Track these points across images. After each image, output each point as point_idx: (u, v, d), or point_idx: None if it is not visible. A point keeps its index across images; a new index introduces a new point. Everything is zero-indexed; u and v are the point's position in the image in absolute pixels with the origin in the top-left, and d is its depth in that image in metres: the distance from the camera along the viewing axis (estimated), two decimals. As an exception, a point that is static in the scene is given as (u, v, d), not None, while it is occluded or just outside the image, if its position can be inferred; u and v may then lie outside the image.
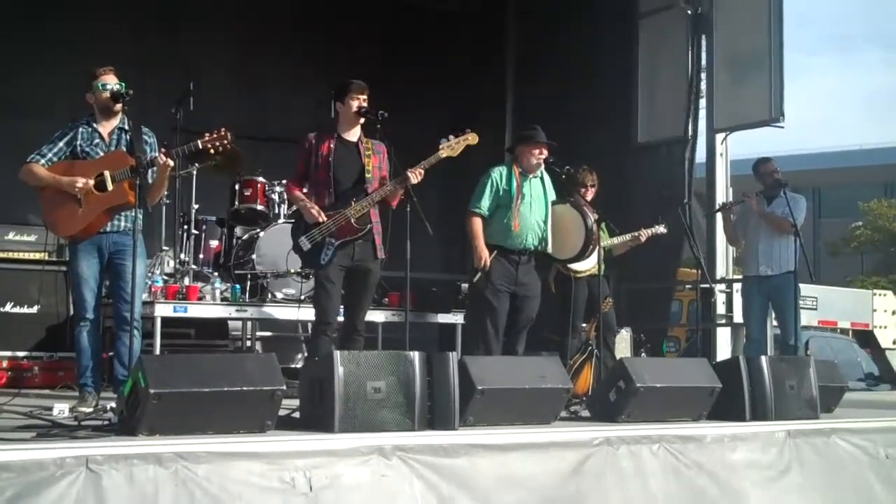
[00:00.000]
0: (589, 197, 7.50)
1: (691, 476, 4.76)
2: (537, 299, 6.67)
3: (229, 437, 3.99)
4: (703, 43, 9.76)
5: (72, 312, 6.60)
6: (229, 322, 8.62)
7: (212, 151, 5.66)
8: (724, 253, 9.53)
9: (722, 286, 9.38)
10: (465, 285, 7.77)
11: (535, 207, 6.62)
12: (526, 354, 6.64)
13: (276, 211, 7.99)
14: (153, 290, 7.03)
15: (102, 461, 3.39)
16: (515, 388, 4.92)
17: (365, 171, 6.02)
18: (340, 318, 6.17)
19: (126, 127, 5.67)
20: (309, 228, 5.96)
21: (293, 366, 8.77)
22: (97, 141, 5.65)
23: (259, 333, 9.07)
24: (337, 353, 4.43)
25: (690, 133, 9.70)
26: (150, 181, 5.58)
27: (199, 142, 5.61)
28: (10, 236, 7.99)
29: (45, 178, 5.56)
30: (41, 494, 3.25)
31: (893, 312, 15.49)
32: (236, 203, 7.98)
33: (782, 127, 9.16)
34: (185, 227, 7.95)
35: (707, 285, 8.57)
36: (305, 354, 8.61)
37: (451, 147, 6.06)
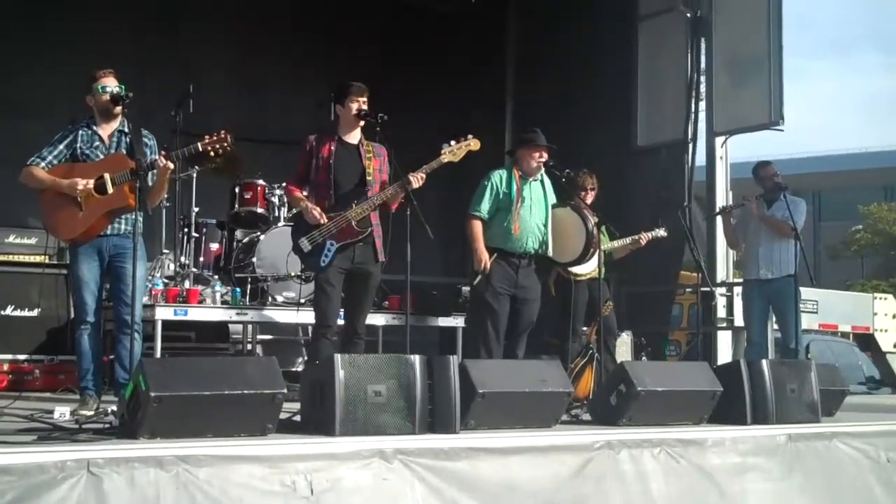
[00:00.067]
0: (589, 200, 7.50)
1: (692, 480, 4.76)
2: (537, 302, 6.66)
3: (230, 440, 3.98)
4: (703, 46, 9.76)
5: (72, 315, 6.60)
6: (230, 325, 8.61)
7: (212, 154, 5.65)
8: (724, 256, 9.53)
9: (722, 290, 9.38)
10: (465, 288, 7.77)
11: (536, 211, 6.61)
12: (526, 358, 6.63)
13: (277, 214, 7.98)
14: (153, 293, 7.03)
15: (103, 464, 3.39)
16: (516, 391, 4.92)
17: (366, 173, 6.02)
18: (341, 322, 6.16)
19: (126, 129, 5.67)
20: (309, 230, 5.95)
21: (294, 369, 8.77)
22: (97, 143, 5.65)
23: (259, 337, 9.06)
24: (337, 357, 4.42)
25: (690, 136, 9.70)
26: (150, 184, 5.58)
27: (199, 144, 5.61)
28: (11, 239, 7.98)
29: (45, 181, 5.56)
30: (42, 498, 3.25)
31: (894, 316, 15.47)
32: (236, 206, 7.97)
33: (782, 130, 9.17)
34: (186, 230, 7.94)
35: (707, 289, 8.56)
36: (306, 358, 8.60)
37: (452, 152, 6.05)
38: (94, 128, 5.68)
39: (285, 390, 4.23)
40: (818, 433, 5.43)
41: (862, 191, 38.57)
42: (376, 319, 7.65)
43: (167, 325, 7.08)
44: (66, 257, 6.30)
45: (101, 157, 5.62)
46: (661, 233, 8.00)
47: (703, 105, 9.82)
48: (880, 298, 16.02)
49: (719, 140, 9.64)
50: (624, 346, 8.64)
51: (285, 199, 7.79)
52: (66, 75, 7.31)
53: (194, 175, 7.82)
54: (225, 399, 4.07)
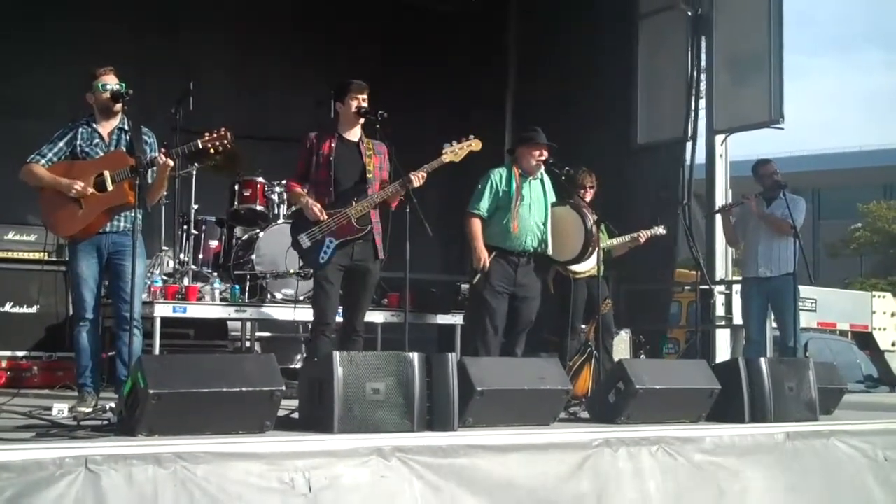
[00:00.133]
0: (588, 198, 7.50)
1: (690, 478, 4.76)
2: (537, 301, 6.66)
3: (228, 437, 3.99)
4: (703, 44, 9.77)
5: (71, 312, 6.60)
6: (228, 322, 8.63)
7: (212, 151, 5.66)
8: (723, 254, 9.54)
9: (721, 288, 9.38)
10: (464, 286, 7.77)
11: (535, 209, 6.61)
12: (525, 356, 6.64)
13: (276, 211, 7.99)
14: (152, 290, 7.04)
15: (102, 461, 3.39)
16: (515, 389, 4.92)
17: (366, 171, 6.02)
18: (340, 319, 6.17)
19: (126, 127, 5.67)
20: (309, 226, 5.95)
21: (292, 366, 8.77)
22: (97, 141, 5.65)
23: (258, 334, 9.08)
24: (336, 354, 4.42)
25: (690, 134, 9.71)
26: (149, 181, 5.58)
27: (198, 142, 5.61)
28: (10, 236, 7.98)
29: (44, 179, 5.56)
30: (40, 494, 3.25)
31: (892, 314, 15.46)
32: (236, 203, 7.98)
33: (782, 128, 9.17)
34: (185, 227, 7.96)
35: (706, 287, 8.57)
36: (304, 355, 8.61)
37: (454, 152, 6.06)
38: (94, 125, 5.68)
39: (284, 387, 4.23)
40: (816, 431, 5.44)
41: (861, 189, 38.57)
42: (375, 317, 7.66)
43: (166, 322, 7.09)
44: (66, 254, 6.29)
45: (101, 154, 5.62)
46: (660, 230, 8.01)
47: (703, 103, 9.83)
48: (879, 297, 16.01)
49: (719, 138, 9.66)
50: (622, 344, 8.65)
51: (285, 197, 7.81)
52: (66, 75, 7.30)
53: (194, 172, 7.83)
54: (223, 396, 4.07)
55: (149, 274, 7.16)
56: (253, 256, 7.67)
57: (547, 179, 6.75)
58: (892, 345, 15.10)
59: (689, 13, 9.80)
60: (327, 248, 5.89)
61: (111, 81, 5.63)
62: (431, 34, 11.24)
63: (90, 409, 5.03)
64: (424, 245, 6.08)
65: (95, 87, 5.63)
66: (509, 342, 6.58)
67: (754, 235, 8.01)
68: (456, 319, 8.07)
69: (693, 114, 9.72)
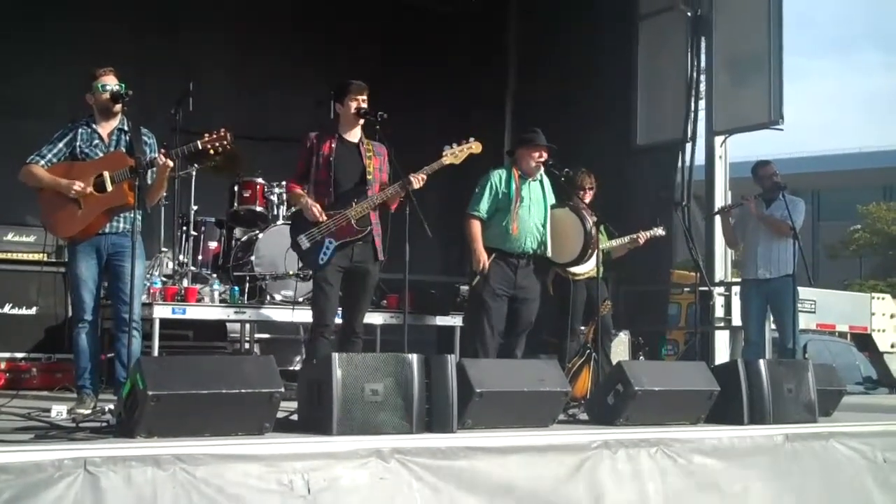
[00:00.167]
0: (587, 199, 7.49)
1: (689, 479, 4.77)
2: (536, 302, 6.66)
3: (227, 439, 3.99)
4: (703, 45, 9.77)
5: (70, 314, 6.59)
6: (228, 324, 8.62)
7: (211, 152, 5.66)
8: (722, 256, 9.54)
9: (720, 289, 9.38)
10: (464, 288, 7.77)
11: (534, 211, 6.61)
12: (524, 357, 6.64)
13: (276, 212, 7.99)
14: (152, 291, 7.03)
15: (101, 463, 3.39)
16: (514, 391, 4.93)
17: (366, 172, 6.01)
18: (339, 321, 6.16)
19: (125, 128, 5.67)
20: (308, 227, 5.95)
21: (291, 368, 8.78)
22: (97, 142, 5.65)
23: (257, 335, 9.07)
24: (335, 356, 4.42)
25: (690, 135, 9.71)
26: (149, 182, 5.58)
27: (198, 142, 5.61)
28: (9, 237, 7.98)
29: (44, 180, 5.55)
30: (39, 496, 3.25)
31: (892, 316, 15.44)
32: (235, 204, 7.98)
33: (781, 129, 9.18)
34: (184, 228, 7.95)
35: (705, 288, 8.57)
36: (304, 356, 8.61)
37: (454, 154, 6.05)
38: (94, 126, 5.68)
39: (283, 389, 4.23)
40: (815, 433, 5.44)
41: (861, 190, 38.58)
42: (374, 318, 7.65)
43: (165, 323, 7.08)
44: (65, 255, 6.29)
45: (101, 155, 5.62)
46: (660, 232, 8.00)
47: (702, 104, 9.83)
48: (878, 298, 15.98)
49: (719, 139, 9.66)
50: (621, 346, 8.64)
51: (284, 198, 7.80)
52: (66, 75, 7.30)
53: (193, 173, 7.82)
54: (222, 398, 4.07)
55: (148, 275, 7.15)
56: (252, 258, 7.67)
57: (546, 181, 6.75)
58: (892, 346, 15.07)
59: (689, 14, 9.81)
60: (327, 249, 5.89)
61: (111, 82, 5.63)
62: (431, 34, 11.23)
63: (89, 411, 5.03)
64: (424, 246, 6.07)
65: (95, 88, 5.63)
66: (509, 344, 6.58)
67: (753, 237, 8.01)
68: (455, 321, 8.07)
69: (693, 115, 9.72)
